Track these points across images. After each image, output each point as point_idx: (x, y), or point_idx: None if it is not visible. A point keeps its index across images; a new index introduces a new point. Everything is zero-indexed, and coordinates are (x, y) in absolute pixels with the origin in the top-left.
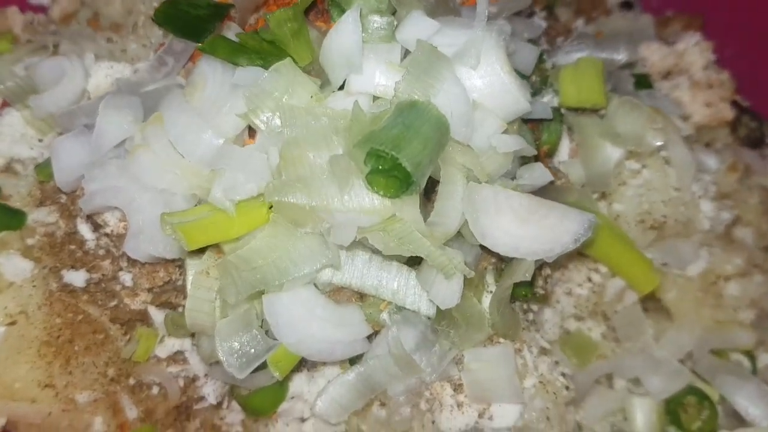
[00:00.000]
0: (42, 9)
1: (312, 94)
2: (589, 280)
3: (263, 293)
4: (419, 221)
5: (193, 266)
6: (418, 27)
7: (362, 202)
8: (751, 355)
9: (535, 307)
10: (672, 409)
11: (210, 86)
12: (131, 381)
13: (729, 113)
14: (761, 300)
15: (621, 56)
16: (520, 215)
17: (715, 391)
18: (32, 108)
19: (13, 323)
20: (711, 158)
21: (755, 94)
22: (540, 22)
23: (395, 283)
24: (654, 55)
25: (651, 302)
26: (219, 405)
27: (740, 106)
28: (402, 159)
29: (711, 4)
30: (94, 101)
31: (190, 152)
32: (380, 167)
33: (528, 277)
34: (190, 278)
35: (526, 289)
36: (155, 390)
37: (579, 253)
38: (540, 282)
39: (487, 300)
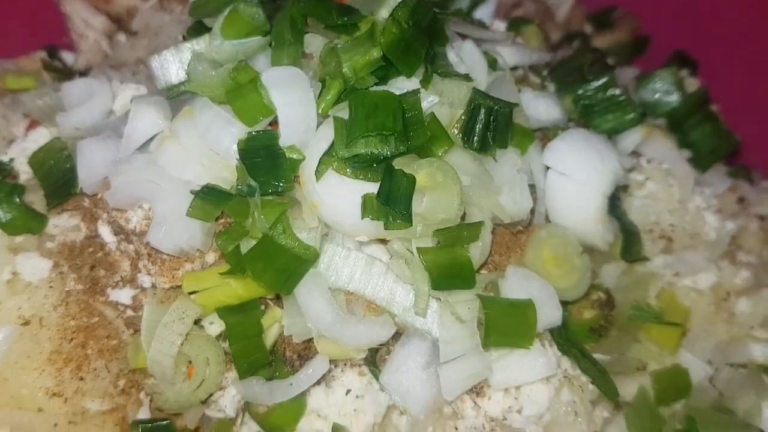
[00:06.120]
0: None
1: None
2: None
3: None
4: None
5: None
6: None
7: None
8: None
9: None
10: None
11: None
12: (141, 395)
13: None
14: None
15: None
16: None
17: None
18: (59, 125)
19: (26, 324)
20: (710, 181)
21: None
22: None
23: (407, 301)
24: None
25: None
26: (234, 420)
27: None
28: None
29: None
30: (121, 117)
31: (217, 144)
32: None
33: None
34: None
35: None
36: None
37: None
38: None
39: None
